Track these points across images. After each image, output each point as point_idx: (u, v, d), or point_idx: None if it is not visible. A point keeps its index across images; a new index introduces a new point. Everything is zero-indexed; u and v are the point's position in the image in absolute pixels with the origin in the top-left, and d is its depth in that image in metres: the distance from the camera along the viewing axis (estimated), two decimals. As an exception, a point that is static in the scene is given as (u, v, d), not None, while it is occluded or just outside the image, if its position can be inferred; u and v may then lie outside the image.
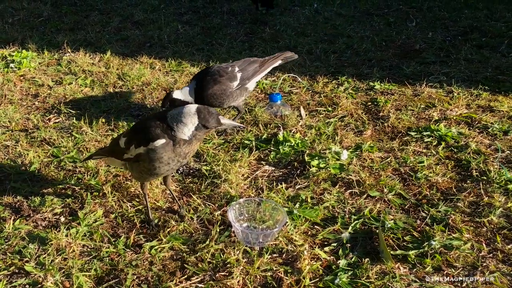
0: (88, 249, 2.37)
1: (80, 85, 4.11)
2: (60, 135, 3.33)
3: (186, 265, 2.25)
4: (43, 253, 2.33)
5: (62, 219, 2.57)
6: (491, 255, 2.29)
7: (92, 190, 2.77)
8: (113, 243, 2.40)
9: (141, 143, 2.28)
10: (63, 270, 2.23)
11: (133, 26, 5.51)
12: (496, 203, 2.59)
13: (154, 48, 4.88)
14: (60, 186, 2.82)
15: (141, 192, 2.61)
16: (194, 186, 2.82)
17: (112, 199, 2.69)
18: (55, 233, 2.42)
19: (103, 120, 3.50)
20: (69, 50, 4.75)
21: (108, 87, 4.06)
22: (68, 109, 3.70)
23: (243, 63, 3.41)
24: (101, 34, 5.24)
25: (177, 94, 3.28)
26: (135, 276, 2.20)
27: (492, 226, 2.46)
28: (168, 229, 2.47)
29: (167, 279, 2.18)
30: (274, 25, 5.38)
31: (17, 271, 2.25)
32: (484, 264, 2.22)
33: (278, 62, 3.52)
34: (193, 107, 2.25)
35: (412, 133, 3.29)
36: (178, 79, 4.17)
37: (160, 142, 2.23)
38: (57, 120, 3.58)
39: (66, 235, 2.42)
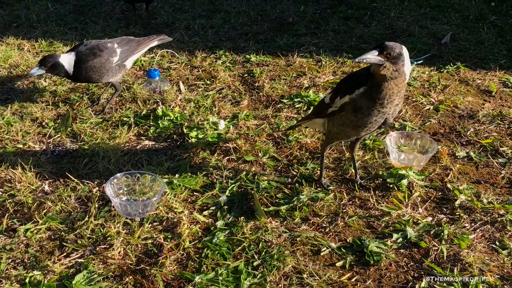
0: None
1: None
2: None
3: (64, 243, 2.24)
4: None
5: None
6: (350, 202, 2.57)
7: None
8: (-16, 230, 2.31)
9: (347, 92, 2.33)
10: None
11: (-3, 6, 5.12)
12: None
13: (22, 28, 4.60)
14: None
15: (320, 152, 2.73)
16: (71, 166, 2.78)
17: (-19, 187, 2.57)
18: None
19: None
20: None
21: (-30, 72, 3.78)
22: None
23: (122, 41, 3.42)
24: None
25: (63, 59, 3.18)
26: (10, 260, 2.15)
27: (352, 177, 2.75)
28: (44, 211, 2.42)
29: (45, 258, 2.16)
30: (152, 2, 5.30)
31: None
32: (345, 210, 2.50)
33: (155, 43, 3.59)
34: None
35: (285, 100, 3.52)
36: (50, 60, 3.98)
37: (362, 89, 2.27)
38: None
39: None
